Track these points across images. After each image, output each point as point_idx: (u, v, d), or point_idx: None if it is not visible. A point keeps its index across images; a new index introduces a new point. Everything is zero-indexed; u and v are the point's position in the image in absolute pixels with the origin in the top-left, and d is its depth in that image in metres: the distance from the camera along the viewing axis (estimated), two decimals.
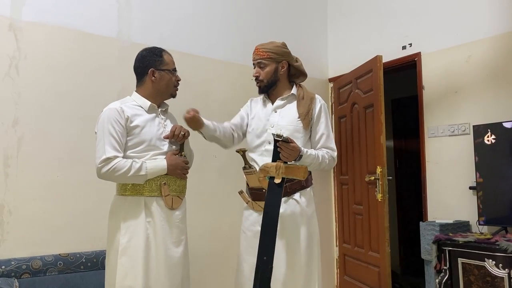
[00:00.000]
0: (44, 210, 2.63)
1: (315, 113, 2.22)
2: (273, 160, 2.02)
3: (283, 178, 1.99)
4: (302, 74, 2.33)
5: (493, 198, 2.87)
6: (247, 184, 2.26)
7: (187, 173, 2.12)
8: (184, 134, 2.09)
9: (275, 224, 1.96)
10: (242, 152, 2.23)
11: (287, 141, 1.96)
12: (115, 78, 2.93)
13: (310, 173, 2.25)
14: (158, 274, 1.93)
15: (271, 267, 1.92)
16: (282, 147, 1.97)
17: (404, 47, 3.67)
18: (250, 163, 2.24)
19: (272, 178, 2.00)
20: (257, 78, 2.26)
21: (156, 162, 1.99)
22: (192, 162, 2.24)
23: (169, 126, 2.11)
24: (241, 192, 2.27)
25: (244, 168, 2.23)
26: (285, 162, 2.00)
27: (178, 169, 2.04)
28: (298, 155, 2.01)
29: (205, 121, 2.16)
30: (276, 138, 1.96)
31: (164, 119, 2.12)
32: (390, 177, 3.51)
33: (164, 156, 2.03)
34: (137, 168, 1.93)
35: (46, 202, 2.64)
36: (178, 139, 2.07)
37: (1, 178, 2.52)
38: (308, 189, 2.22)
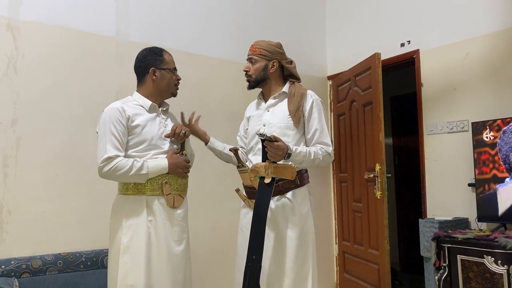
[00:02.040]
0: (43, 209, 2.63)
1: (306, 109, 2.19)
2: (263, 160, 2.02)
3: (273, 178, 1.98)
4: (295, 78, 2.31)
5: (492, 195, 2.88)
6: (243, 183, 2.27)
7: (188, 172, 2.12)
8: (185, 133, 2.10)
9: (264, 224, 1.96)
10: (235, 151, 2.23)
11: (271, 139, 1.94)
12: (114, 77, 2.93)
13: (306, 171, 2.24)
14: (160, 272, 1.94)
15: (260, 266, 1.93)
16: (267, 146, 1.96)
17: (402, 44, 3.67)
18: (246, 163, 2.24)
19: (262, 178, 1.99)
20: (246, 73, 2.28)
21: (157, 161, 1.99)
22: (193, 161, 2.25)
23: (169, 126, 2.11)
24: (237, 190, 2.27)
25: (238, 167, 2.23)
26: (275, 162, 1.99)
27: (180, 168, 2.04)
28: (286, 154, 1.98)
29: (212, 138, 2.33)
30: (259, 137, 1.95)
31: (165, 119, 2.13)
32: (389, 175, 3.51)
33: (165, 155, 2.03)
34: (138, 167, 1.93)
35: (45, 201, 2.64)
36: (178, 138, 2.08)
37: (0, 178, 2.52)
38: (303, 187, 2.19)
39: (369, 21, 3.99)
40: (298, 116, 2.17)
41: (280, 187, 2.12)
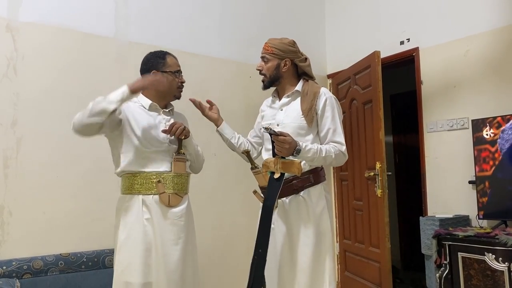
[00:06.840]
0: (44, 210, 2.64)
1: (319, 108, 2.16)
2: (273, 155, 2.02)
3: (282, 173, 1.98)
4: (308, 76, 2.28)
5: (493, 192, 2.88)
6: (259, 184, 2.24)
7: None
8: (183, 129, 2.08)
9: (270, 218, 1.98)
10: (247, 153, 2.22)
11: (276, 134, 1.93)
12: (113, 78, 2.92)
13: (322, 168, 2.20)
14: (156, 270, 1.95)
15: (265, 260, 1.93)
16: (275, 140, 1.96)
17: (402, 42, 3.67)
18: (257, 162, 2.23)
19: (272, 173, 2.00)
20: (260, 72, 2.26)
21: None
22: (199, 162, 2.26)
23: None
24: (254, 192, 2.23)
25: (252, 168, 2.21)
26: (284, 158, 1.99)
27: (163, 84, 2.05)
28: (295, 150, 1.96)
29: (224, 123, 2.32)
30: (263, 131, 1.96)
31: (167, 119, 2.13)
32: (390, 173, 3.51)
33: (165, 154, 2.05)
34: (96, 101, 1.92)
35: (46, 202, 2.65)
36: (172, 134, 2.06)
37: (1, 179, 2.53)
38: (319, 185, 2.16)
39: (368, 19, 3.99)
40: (311, 115, 2.14)
41: (295, 186, 2.09)
